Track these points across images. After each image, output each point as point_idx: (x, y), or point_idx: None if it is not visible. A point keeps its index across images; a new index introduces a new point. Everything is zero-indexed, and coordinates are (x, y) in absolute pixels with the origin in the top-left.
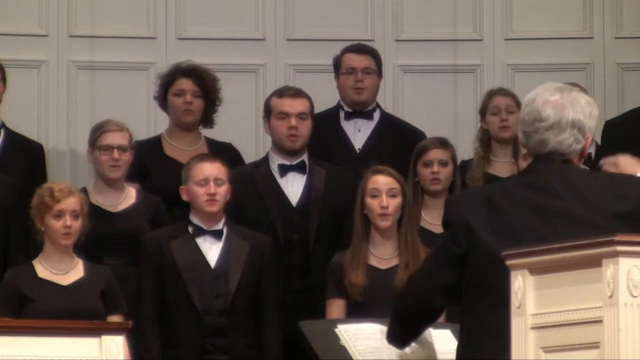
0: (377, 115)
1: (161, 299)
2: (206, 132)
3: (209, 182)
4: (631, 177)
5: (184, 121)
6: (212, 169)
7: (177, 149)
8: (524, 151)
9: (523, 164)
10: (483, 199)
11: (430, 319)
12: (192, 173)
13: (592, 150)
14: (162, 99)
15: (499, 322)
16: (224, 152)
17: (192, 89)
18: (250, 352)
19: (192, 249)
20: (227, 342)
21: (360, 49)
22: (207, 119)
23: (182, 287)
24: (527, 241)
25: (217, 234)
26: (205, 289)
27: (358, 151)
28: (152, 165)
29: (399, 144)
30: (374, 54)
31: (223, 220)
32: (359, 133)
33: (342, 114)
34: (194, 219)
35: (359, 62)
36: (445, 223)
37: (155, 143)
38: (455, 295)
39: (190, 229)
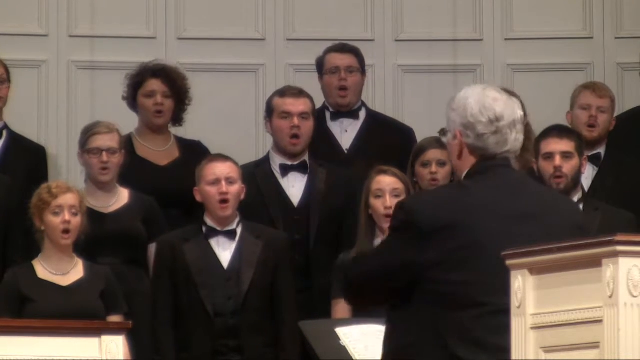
0: (363, 114)
1: (174, 302)
2: (207, 132)
3: (220, 181)
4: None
5: (156, 124)
6: (223, 168)
7: (149, 150)
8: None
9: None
10: (447, 202)
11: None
12: (203, 173)
13: (601, 150)
14: (132, 99)
15: (467, 323)
16: (193, 150)
17: (162, 90)
18: (266, 352)
19: (205, 251)
20: (240, 343)
21: (342, 48)
22: (176, 118)
23: (194, 290)
24: (497, 242)
25: (230, 234)
26: (217, 291)
27: (346, 151)
28: (125, 167)
29: (386, 141)
30: (356, 52)
31: (237, 220)
32: (345, 133)
33: (328, 115)
34: (207, 219)
35: (341, 60)
36: (405, 226)
37: (126, 143)
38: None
39: (203, 230)
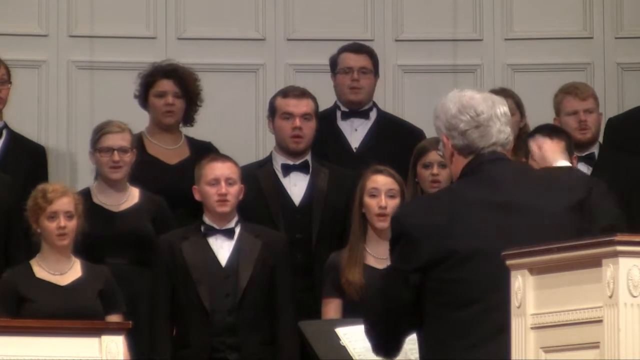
0: (373, 114)
1: (173, 299)
2: (207, 132)
3: (220, 181)
4: (570, 170)
5: (166, 123)
6: (223, 169)
7: (159, 148)
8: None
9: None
10: (437, 205)
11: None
12: (203, 173)
13: (595, 150)
14: (143, 98)
15: (464, 322)
16: (204, 150)
17: (174, 90)
18: (264, 350)
19: (203, 249)
20: (238, 340)
21: (357, 48)
22: (187, 119)
23: (192, 287)
24: (491, 239)
25: (228, 233)
26: (215, 288)
27: (355, 150)
28: (135, 165)
29: (396, 142)
30: (371, 54)
31: (235, 219)
32: (355, 132)
33: (338, 114)
34: (206, 218)
35: (355, 61)
36: (399, 237)
37: (137, 142)
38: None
39: (202, 229)
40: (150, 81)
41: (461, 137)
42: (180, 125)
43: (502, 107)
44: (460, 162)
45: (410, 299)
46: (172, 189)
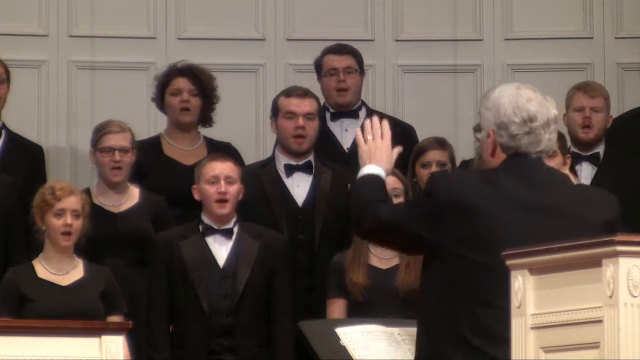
0: (363, 113)
1: (171, 298)
2: (205, 131)
3: (219, 180)
4: (603, 190)
5: (182, 121)
6: (223, 168)
7: (176, 149)
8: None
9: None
10: (468, 182)
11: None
12: (203, 171)
13: (600, 150)
14: (160, 99)
15: (474, 320)
16: (222, 151)
17: (189, 88)
18: (260, 352)
19: (202, 249)
20: (235, 343)
21: (340, 49)
22: (205, 118)
23: (190, 287)
24: (510, 236)
25: (227, 233)
26: (213, 289)
27: (347, 150)
28: (151, 166)
29: None
30: (354, 53)
31: (234, 219)
32: (346, 132)
33: (327, 115)
34: (205, 218)
35: (340, 62)
36: (428, 195)
37: (154, 143)
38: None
39: (200, 228)
40: (165, 81)
41: (510, 138)
42: (199, 126)
43: (554, 111)
44: (502, 158)
45: (422, 235)
46: (185, 189)
